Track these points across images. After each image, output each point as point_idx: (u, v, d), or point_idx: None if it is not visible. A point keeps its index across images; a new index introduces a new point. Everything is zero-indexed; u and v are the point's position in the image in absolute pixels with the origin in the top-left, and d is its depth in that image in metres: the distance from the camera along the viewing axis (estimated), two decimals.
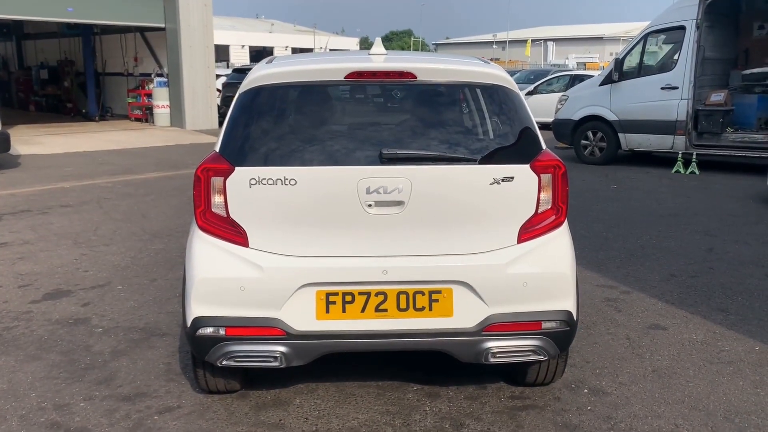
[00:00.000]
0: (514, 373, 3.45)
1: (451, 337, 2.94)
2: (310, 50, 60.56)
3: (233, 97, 3.15)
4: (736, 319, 4.42)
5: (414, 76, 3.02)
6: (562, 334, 3.00)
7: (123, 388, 3.49)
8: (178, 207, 8.12)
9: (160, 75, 17.25)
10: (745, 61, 11.77)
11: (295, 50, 58.87)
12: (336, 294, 2.91)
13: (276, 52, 55.87)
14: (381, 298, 2.92)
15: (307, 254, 2.93)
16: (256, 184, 2.90)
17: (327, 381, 3.52)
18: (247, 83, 3.09)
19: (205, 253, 2.97)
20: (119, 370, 3.72)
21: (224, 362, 2.99)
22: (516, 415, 3.19)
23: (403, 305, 2.93)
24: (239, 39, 54.20)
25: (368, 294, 2.92)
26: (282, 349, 2.92)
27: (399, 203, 2.89)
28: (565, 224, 3.08)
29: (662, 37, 11.39)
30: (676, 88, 10.61)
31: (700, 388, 3.46)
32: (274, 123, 3.03)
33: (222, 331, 2.94)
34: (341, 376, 3.57)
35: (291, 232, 2.93)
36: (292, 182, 2.88)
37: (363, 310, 2.92)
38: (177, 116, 16.80)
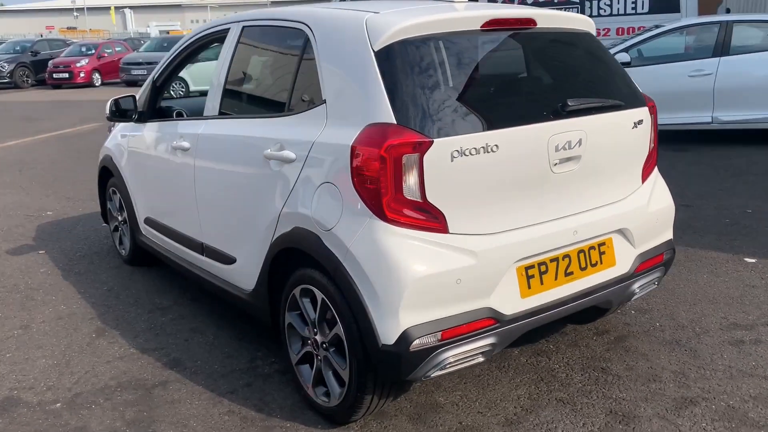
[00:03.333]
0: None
1: (616, 285, 2.96)
2: None
3: None
4: None
5: (535, 23, 2.86)
6: (670, 261, 3.28)
7: None
8: None
9: None
10: None
11: None
12: (533, 266, 2.68)
13: None
14: (567, 261, 2.79)
15: (507, 228, 2.61)
16: (458, 156, 2.44)
17: None
18: (386, 38, 2.52)
19: (407, 249, 2.40)
20: None
21: (434, 374, 2.50)
22: (647, 348, 3.39)
23: (583, 264, 2.84)
24: None
25: (557, 259, 2.75)
26: (492, 340, 2.58)
27: (577, 158, 2.76)
28: None
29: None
30: None
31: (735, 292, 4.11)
32: (437, 81, 2.56)
33: (436, 338, 2.45)
34: None
35: (489, 205, 2.56)
36: (494, 149, 2.51)
37: (556, 278, 2.75)
38: None
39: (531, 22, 2.85)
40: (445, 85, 2.56)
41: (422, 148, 2.39)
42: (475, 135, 2.48)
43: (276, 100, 3.09)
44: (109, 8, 69.83)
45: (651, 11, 10.90)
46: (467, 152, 2.46)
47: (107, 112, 4.31)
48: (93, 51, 24.30)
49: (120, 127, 4.66)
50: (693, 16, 10.39)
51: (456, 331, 2.48)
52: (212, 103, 3.46)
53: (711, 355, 3.28)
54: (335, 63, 2.69)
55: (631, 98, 3.02)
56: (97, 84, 23.88)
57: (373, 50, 2.54)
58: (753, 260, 4.52)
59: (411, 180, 2.40)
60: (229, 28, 3.48)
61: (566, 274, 2.78)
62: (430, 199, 2.44)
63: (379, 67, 2.50)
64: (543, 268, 2.71)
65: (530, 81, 2.84)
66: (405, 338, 2.40)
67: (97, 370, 3.36)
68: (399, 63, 2.50)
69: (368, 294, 2.43)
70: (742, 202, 5.84)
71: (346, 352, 2.61)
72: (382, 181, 2.39)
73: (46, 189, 7.58)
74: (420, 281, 2.39)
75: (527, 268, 2.66)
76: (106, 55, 24.60)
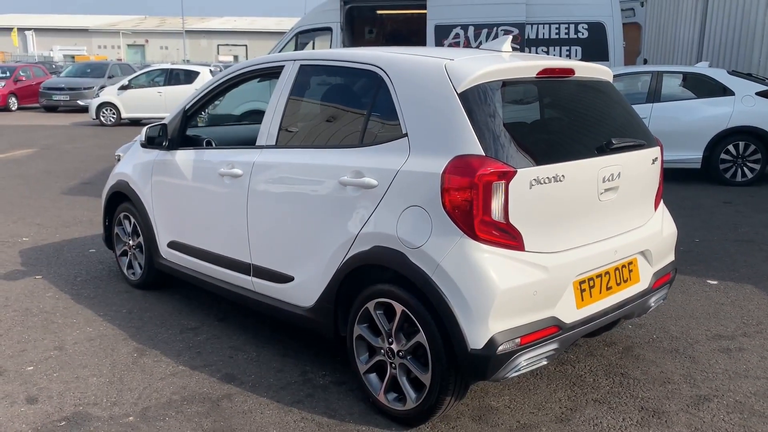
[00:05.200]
0: None
1: (640, 299, 3.42)
2: None
3: None
4: None
5: (573, 72, 3.33)
6: (673, 279, 3.79)
7: None
8: None
9: None
10: None
11: None
12: (585, 281, 3.09)
13: None
14: (608, 277, 3.22)
15: (568, 247, 3.01)
16: (536, 184, 2.84)
17: None
18: (468, 82, 2.91)
19: (493, 264, 2.76)
20: None
21: (511, 375, 2.85)
22: (653, 356, 3.85)
23: (618, 279, 3.28)
24: None
25: (601, 275, 3.18)
26: (556, 345, 2.96)
27: (616, 188, 3.22)
28: None
29: (311, 35, 12.44)
30: None
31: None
32: (512, 119, 2.97)
33: (516, 343, 2.80)
34: None
35: (555, 228, 2.97)
36: (562, 178, 2.93)
37: (600, 291, 3.17)
38: None
39: (571, 71, 3.31)
40: (518, 122, 2.97)
41: (508, 176, 2.77)
42: (549, 166, 2.89)
43: (346, 132, 3.38)
44: (9, 29, 66.99)
45: (583, 59, 11.87)
46: (542, 181, 2.86)
47: (143, 139, 4.44)
48: (9, 74, 23.37)
49: (137, 153, 4.78)
50: (620, 65, 11.44)
51: (531, 337, 2.85)
52: (267, 134, 3.71)
53: (708, 360, 3.79)
54: (416, 102, 3.04)
55: (648, 138, 3.53)
56: (13, 108, 22.98)
57: (457, 92, 2.91)
58: (715, 282, 5.15)
59: (497, 204, 2.77)
60: (283, 66, 3.76)
61: (607, 288, 3.21)
62: (511, 220, 2.81)
63: (464, 106, 2.88)
64: (592, 282, 3.13)
65: (578, 121, 3.29)
66: (492, 343, 2.74)
67: (155, 386, 3.48)
68: (481, 103, 2.89)
69: (458, 304, 2.76)
70: (688, 232, 6.57)
71: (429, 358, 2.91)
72: (474, 204, 2.74)
73: (9, 215, 7.41)
74: (507, 292, 2.75)
75: (581, 282, 3.07)
76: (23, 78, 23.73)
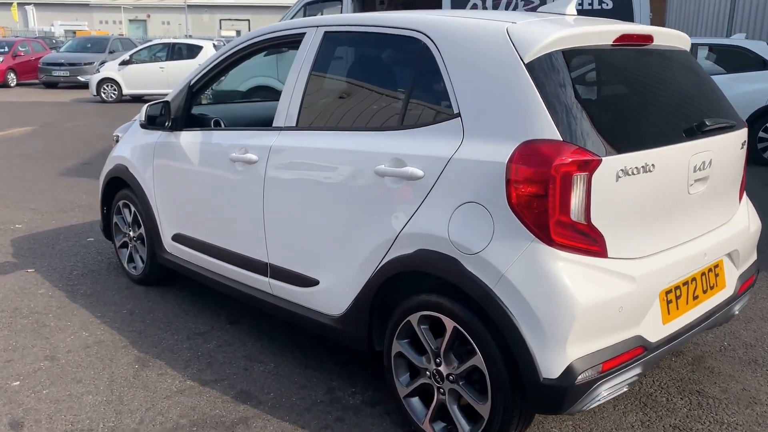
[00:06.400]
0: None
1: (725, 307, 2.91)
2: None
3: None
4: None
5: (652, 40, 2.79)
6: (755, 282, 3.27)
7: None
8: None
9: None
10: None
11: None
12: (671, 291, 2.59)
13: None
14: (694, 284, 2.71)
15: (655, 251, 2.50)
16: (623, 176, 2.32)
17: None
18: (538, 49, 2.37)
19: (574, 276, 2.25)
20: None
21: (588, 407, 2.36)
22: (730, 368, 3.36)
23: (705, 287, 2.78)
24: None
25: (688, 283, 2.68)
26: (640, 369, 2.47)
27: (706, 179, 2.70)
28: None
29: (320, 6, 11.81)
30: None
31: None
32: (591, 96, 2.45)
33: (597, 370, 2.30)
34: None
35: (641, 228, 2.45)
36: (651, 168, 2.41)
37: (687, 302, 2.67)
38: None
39: (650, 38, 2.77)
40: (596, 100, 2.44)
41: (591, 167, 2.25)
42: (637, 154, 2.36)
43: (383, 112, 2.85)
44: (9, 4, 66.03)
45: None
46: (630, 171, 2.34)
47: (143, 118, 3.92)
48: (7, 49, 22.72)
49: (136, 134, 4.26)
50: None
51: (614, 362, 2.35)
52: (286, 114, 3.18)
53: None
54: (471, 75, 2.50)
55: (737, 118, 3.00)
56: (12, 84, 22.37)
57: (523, 62, 2.37)
58: None
59: (578, 201, 2.25)
60: (304, 33, 3.22)
61: (694, 298, 2.71)
62: (593, 221, 2.30)
63: (533, 79, 2.34)
64: (678, 292, 2.62)
65: (661, 98, 2.74)
66: (570, 372, 2.24)
67: (159, 407, 3.00)
68: (555, 76, 2.36)
69: (528, 324, 2.26)
70: None
71: (488, 386, 2.42)
72: (550, 201, 2.22)
73: (3, 199, 6.91)
74: (590, 310, 2.24)
75: (667, 292, 2.56)
76: (22, 53, 23.09)
